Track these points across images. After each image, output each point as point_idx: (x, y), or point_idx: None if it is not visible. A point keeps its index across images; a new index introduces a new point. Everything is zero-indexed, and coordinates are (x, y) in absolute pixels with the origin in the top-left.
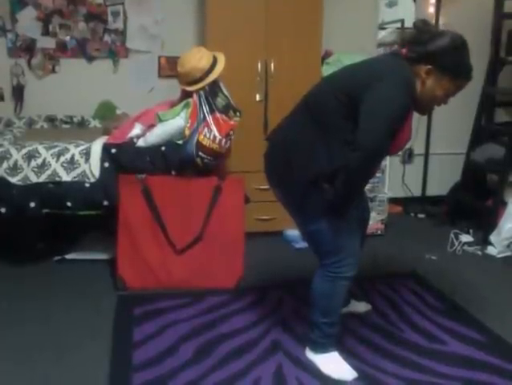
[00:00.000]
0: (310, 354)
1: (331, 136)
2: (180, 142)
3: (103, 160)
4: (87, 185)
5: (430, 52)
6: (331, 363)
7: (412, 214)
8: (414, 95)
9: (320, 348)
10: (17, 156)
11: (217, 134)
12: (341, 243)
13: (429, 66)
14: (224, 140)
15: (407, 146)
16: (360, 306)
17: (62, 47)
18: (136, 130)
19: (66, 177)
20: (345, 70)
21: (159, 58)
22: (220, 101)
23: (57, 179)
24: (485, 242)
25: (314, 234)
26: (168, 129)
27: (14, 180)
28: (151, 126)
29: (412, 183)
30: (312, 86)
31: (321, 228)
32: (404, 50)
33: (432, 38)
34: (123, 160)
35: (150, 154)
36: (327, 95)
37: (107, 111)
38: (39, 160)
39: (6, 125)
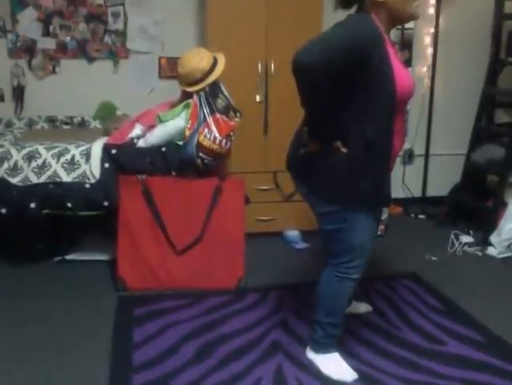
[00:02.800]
0: (311, 354)
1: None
2: (181, 143)
3: (103, 161)
4: (88, 186)
5: None
6: (332, 364)
7: (413, 215)
8: (376, 31)
9: (321, 348)
10: (17, 156)
11: (217, 135)
12: (356, 244)
13: None
14: (224, 141)
15: (407, 146)
16: (361, 307)
17: (62, 48)
18: (137, 131)
19: (66, 178)
20: None
21: (159, 58)
22: (220, 102)
23: (57, 179)
24: (486, 243)
25: (331, 232)
26: (169, 130)
27: (14, 180)
28: (151, 127)
29: (412, 183)
30: None
31: (339, 226)
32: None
33: None
34: (124, 160)
35: (150, 155)
36: None
37: (107, 112)
38: (40, 161)
39: (7, 126)
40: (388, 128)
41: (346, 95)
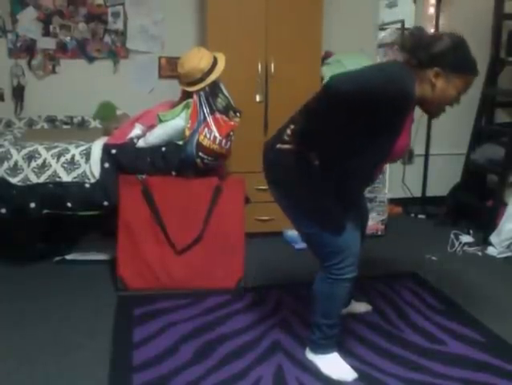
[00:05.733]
0: (311, 355)
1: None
2: (181, 142)
3: (103, 161)
4: (88, 186)
5: (434, 55)
6: (331, 364)
7: (413, 215)
8: (413, 97)
9: (320, 349)
10: (17, 156)
11: (217, 134)
12: (341, 243)
13: (436, 69)
14: (224, 141)
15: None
16: (361, 307)
17: (62, 48)
18: (137, 130)
19: (66, 178)
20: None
21: (159, 58)
22: (220, 102)
23: (57, 179)
24: (486, 243)
25: (313, 236)
26: (169, 130)
27: (14, 180)
28: (151, 126)
29: (412, 183)
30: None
31: (314, 231)
32: (406, 58)
33: (432, 41)
34: (124, 160)
35: (150, 154)
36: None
37: (107, 112)
38: (39, 161)
39: (7, 126)
40: (366, 171)
41: (350, 127)
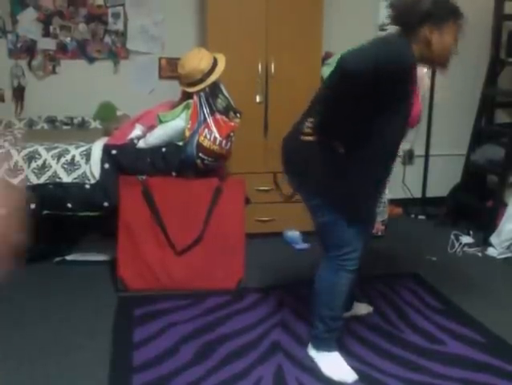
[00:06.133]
0: (313, 352)
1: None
2: (181, 143)
3: (103, 162)
4: (88, 186)
5: (421, 14)
6: (333, 365)
7: (413, 215)
8: (410, 60)
9: (323, 345)
10: (17, 157)
11: (217, 135)
12: (348, 237)
13: (428, 26)
14: (224, 142)
15: (407, 147)
16: (362, 308)
17: (62, 48)
18: (137, 131)
19: (66, 178)
20: None
21: (159, 59)
22: (220, 102)
23: (57, 180)
24: (486, 243)
25: (323, 224)
26: (169, 130)
27: (14, 181)
28: (151, 127)
29: (412, 184)
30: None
31: (330, 219)
32: (398, 29)
33: (414, 4)
34: (124, 161)
35: (150, 155)
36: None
37: (107, 113)
38: (40, 162)
39: (7, 126)
40: (391, 147)
41: (367, 105)
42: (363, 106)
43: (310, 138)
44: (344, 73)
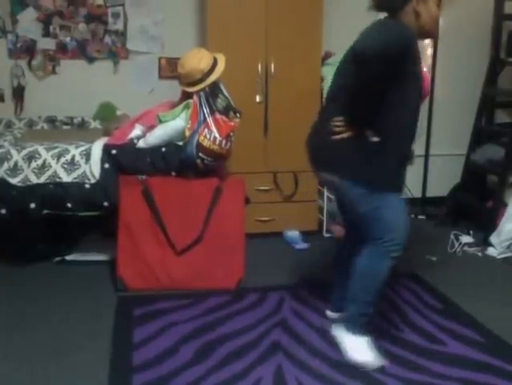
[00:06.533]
0: (339, 332)
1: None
2: (181, 143)
3: (103, 161)
4: (88, 186)
5: None
6: (358, 347)
7: (413, 215)
8: (413, 36)
9: (353, 327)
10: (17, 156)
11: (217, 135)
12: (394, 220)
13: (408, 1)
14: (224, 141)
15: None
16: None
17: (62, 48)
18: (137, 131)
19: (66, 178)
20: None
21: (159, 59)
22: (220, 102)
23: (57, 180)
24: (486, 243)
25: (369, 212)
26: (169, 130)
27: (14, 181)
28: (151, 127)
29: (412, 184)
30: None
31: (376, 206)
32: (385, 14)
33: None
34: (124, 161)
35: (150, 155)
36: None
37: (107, 112)
38: (40, 161)
39: (7, 126)
40: (413, 120)
41: (388, 88)
42: (385, 90)
43: (343, 135)
44: (363, 60)
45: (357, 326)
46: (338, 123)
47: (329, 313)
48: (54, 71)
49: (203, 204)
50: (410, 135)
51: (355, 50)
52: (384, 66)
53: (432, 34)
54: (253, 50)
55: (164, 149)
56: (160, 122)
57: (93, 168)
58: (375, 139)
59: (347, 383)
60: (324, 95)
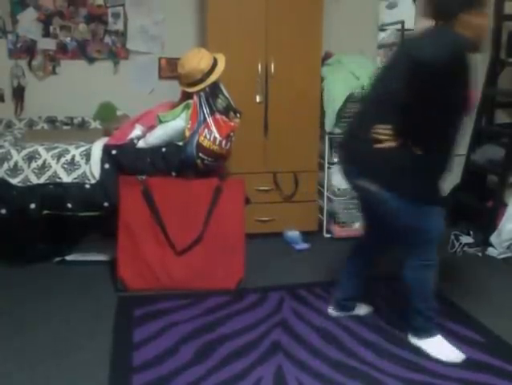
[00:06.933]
0: (415, 340)
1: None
2: (181, 143)
3: (103, 162)
4: (88, 186)
5: (456, 2)
6: (439, 347)
7: None
8: (468, 46)
9: (425, 333)
10: (17, 157)
11: (217, 135)
12: (433, 230)
13: (469, 10)
14: (224, 142)
15: None
16: (362, 309)
17: (62, 49)
18: (137, 131)
19: (66, 178)
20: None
21: (159, 59)
22: (220, 102)
23: (57, 180)
24: (486, 243)
25: (408, 223)
26: (169, 130)
27: (14, 181)
28: (151, 127)
29: None
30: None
31: (416, 217)
32: (437, 22)
33: None
34: (124, 161)
35: (150, 155)
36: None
37: (107, 113)
38: (40, 162)
39: (7, 126)
40: (456, 136)
41: (441, 99)
42: (437, 101)
43: (389, 144)
44: (423, 63)
45: (428, 330)
46: (384, 131)
47: (332, 311)
48: (54, 71)
49: (203, 204)
50: (453, 150)
51: (420, 60)
52: (448, 78)
53: (481, 47)
54: (254, 50)
55: (164, 149)
56: (160, 122)
57: (93, 169)
58: (419, 152)
59: (347, 383)
60: (324, 95)
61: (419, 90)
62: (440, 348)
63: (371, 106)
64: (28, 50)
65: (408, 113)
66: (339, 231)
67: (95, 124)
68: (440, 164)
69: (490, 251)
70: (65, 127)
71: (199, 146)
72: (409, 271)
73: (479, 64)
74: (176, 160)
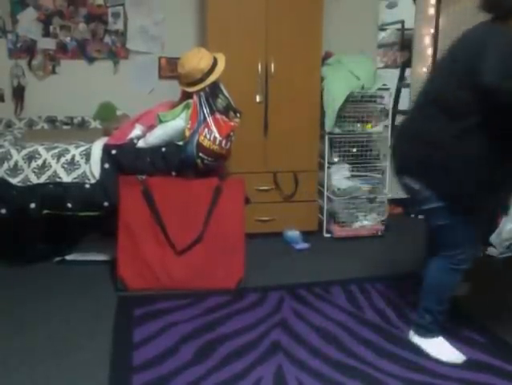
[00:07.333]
0: (416, 338)
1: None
2: (181, 143)
3: (103, 161)
4: (88, 186)
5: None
6: (439, 347)
7: (413, 215)
8: None
9: (428, 333)
10: (17, 156)
11: (217, 135)
12: (467, 235)
13: None
14: (224, 141)
15: None
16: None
17: (62, 48)
18: (137, 131)
19: (66, 178)
20: (446, 58)
21: (159, 59)
22: (220, 102)
23: (57, 180)
24: (486, 243)
25: (444, 225)
26: (169, 130)
27: (14, 180)
28: (151, 127)
29: None
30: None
31: (453, 220)
32: (492, 16)
33: None
34: (124, 160)
35: (150, 155)
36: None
37: (107, 112)
38: (40, 161)
39: (7, 126)
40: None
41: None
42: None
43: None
44: (493, 92)
45: (432, 330)
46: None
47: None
48: (54, 71)
49: (203, 204)
50: (503, 163)
51: (488, 88)
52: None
53: None
54: (253, 50)
55: (164, 149)
56: (160, 122)
57: (93, 168)
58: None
59: (347, 383)
60: (324, 95)
61: (490, 109)
62: (440, 349)
63: (428, 104)
64: (28, 49)
65: (478, 125)
66: (338, 231)
67: (95, 124)
68: (489, 176)
69: (491, 251)
70: (65, 127)
71: (199, 146)
72: (435, 272)
73: None
74: (176, 160)
